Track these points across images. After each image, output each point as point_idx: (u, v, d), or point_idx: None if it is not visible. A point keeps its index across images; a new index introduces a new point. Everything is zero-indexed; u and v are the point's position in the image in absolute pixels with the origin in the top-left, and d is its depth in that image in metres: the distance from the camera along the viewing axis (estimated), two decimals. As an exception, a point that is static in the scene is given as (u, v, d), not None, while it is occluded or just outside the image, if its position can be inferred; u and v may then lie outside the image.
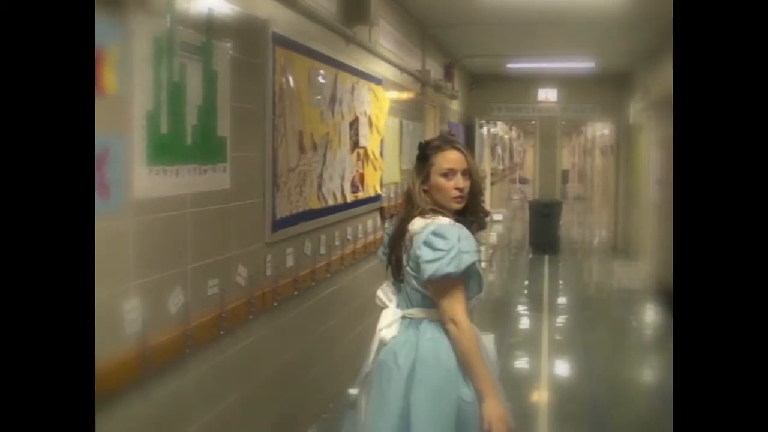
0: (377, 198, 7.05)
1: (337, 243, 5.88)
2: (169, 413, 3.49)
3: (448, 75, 11.88)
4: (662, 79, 10.73)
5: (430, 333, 3.11)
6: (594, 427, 5.88)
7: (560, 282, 12.45)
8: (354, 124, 6.21)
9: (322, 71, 5.42)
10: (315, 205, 5.31)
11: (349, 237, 6.23)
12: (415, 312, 3.18)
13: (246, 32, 4.21)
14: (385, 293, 3.31)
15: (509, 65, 13.55)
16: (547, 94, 15.63)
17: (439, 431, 2.99)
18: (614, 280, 11.24)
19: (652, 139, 11.81)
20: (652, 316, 9.70)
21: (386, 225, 3.48)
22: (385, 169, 7.32)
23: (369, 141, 6.65)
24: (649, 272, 11.26)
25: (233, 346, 4.08)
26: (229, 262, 4.01)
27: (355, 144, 6.27)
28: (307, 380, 5.32)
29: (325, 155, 5.48)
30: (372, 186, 6.83)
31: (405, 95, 8.61)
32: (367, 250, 6.74)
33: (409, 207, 3.21)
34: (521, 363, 7.34)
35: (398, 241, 3.20)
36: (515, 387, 6.18)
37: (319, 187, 5.39)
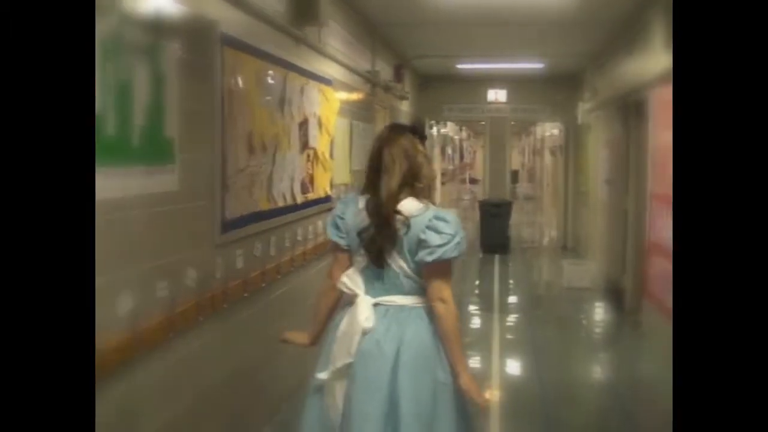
0: (327, 199, 7.04)
1: (287, 244, 5.86)
2: (118, 419, 3.45)
3: (398, 76, 11.90)
4: (610, 79, 10.86)
5: (414, 320, 3.19)
6: (545, 425, 5.92)
7: (511, 281, 12.56)
8: (304, 125, 6.20)
9: (271, 72, 5.40)
10: (265, 206, 5.29)
11: (300, 238, 6.21)
12: (398, 299, 3.22)
13: (194, 33, 4.18)
14: (352, 280, 3.29)
15: (459, 66, 13.63)
16: (497, 95, 15.74)
17: (425, 414, 3.10)
18: (564, 278, 11.32)
19: (600, 138, 11.94)
20: (601, 314, 9.82)
21: (348, 198, 3.48)
22: (335, 170, 7.31)
23: (319, 142, 6.63)
24: (598, 271, 11.38)
25: (183, 348, 4.04)
26: (178, 264, 3.98)
27: (305, 145, 6.25)
28: (259, 381, 5.30)
29: (274, 156, 5.46)
30: (322, 187, 6.82)
31: (355, 96, 8.61)
32: (318, 251, 6.72)
33: (390, 188, 3.18)
34: (473, 362, 7.36)
35: (386, 225, 3.17)
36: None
37: (269, 188, 5.37)
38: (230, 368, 4.77)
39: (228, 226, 4.62)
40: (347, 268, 3.32)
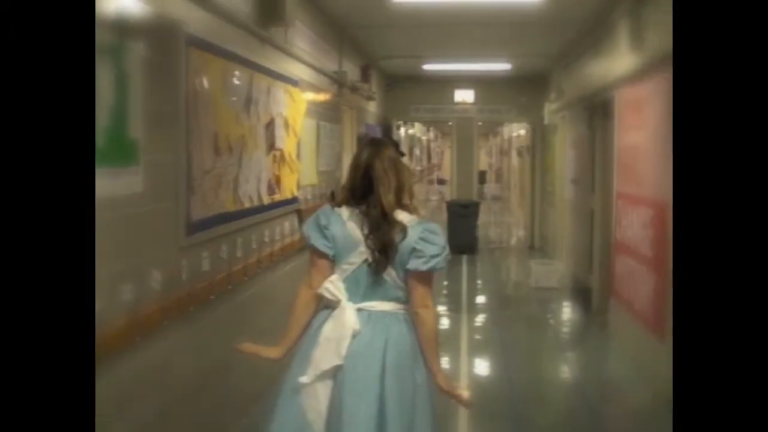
0: (294, 200, 7.01)
1: (254, 246, 5.83)
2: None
3: (365, 76, 11.89)
4: (576, 80, 10.91)
5: (395, 324, 3.34)
6: (514, 425, 5.93)
7: (479, 282, 12.58)
8: (270, 125, 6.16)
9: (237, 72, 5.37)
10: (231, 207, 5.25)
11: (266, 239, 6.18)
12: (380, 305, 3.36)
13: (158, 33, 4.13)
14: (336, 286, 3.36)
15: (426, 66, 13.63)
16: (464, 96, 15.77)
17: (407, 413, 3.26)
18: (531, 278, 11.36)
19: (566, 138, 12.00)
20: (568, 314, 9.86)
21: (327, 210, 3.47)
22: (302, 171, 7.28)
23: (285, 143, 6.60)
24: (566, 270, 11.43)
25: (149, 351, 4.00)
26: (142, 267, 3.94)
27: (272, 146, 6.22)
28: (227, 384, 5.25)
29: (240, 157, 5.42)
30: (288, 188, 6.79)
31: (322, 97, 8.58)
32: (285, 252, 6.69)
33: (388, 200, 3.33)
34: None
35: (388, 235, 3.30)
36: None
37: (235, 189, 5.33)
38: (197, 371, 4.72)
39: (193, 227, 4.58)
40: (327, 275, 3.38)
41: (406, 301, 3.38)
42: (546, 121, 13.61)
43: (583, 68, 10.26)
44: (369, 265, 3.31)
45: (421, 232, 3.31)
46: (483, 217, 16.61)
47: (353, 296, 3.35)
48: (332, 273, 3.38)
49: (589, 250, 9.55)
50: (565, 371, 7.53)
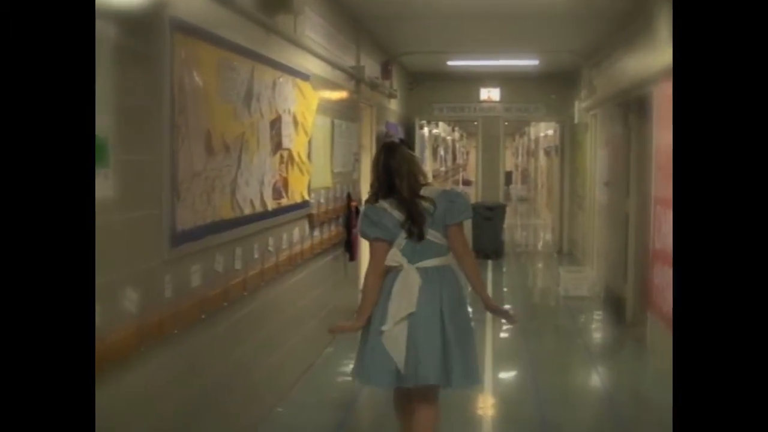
0: (305, 204, 6.46)
1: (256, 256, 5.27)
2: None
3: (386, 73, 11.32)
4: (608, 76, 10.30)
5: (446, 274, 4.34)
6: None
7: (505, 289, 11.95)
8: (276, 123, 5.61)
9: (235, 63, 4.82)
10: (227, 214, 4.70)
11: (271, 249, 5.63)
12: (432, 262, 4.31)
13: (136, 16, 3.59)
14: (397, 257, 4.31)
15: (450, 63, 13.04)
16: (490, 94, 15.15)
17: (463, 339, 4.32)
18: (561, 286, 10.76)
19: (597, 138, 11.39)
20: (601, 326, 9.24)
21: (372, 207, 4.48)
22: (313, 173, 6.73)
23: (294, 142, 6.05)
24: (597, 279, 10.81)
25: (121, 382, 3.45)
26: (113, 284, 3.38)
27: (278, 145, 5.67)
28: (221, 413, 4.71)
29: (240, 158, 4.88)
30: (298, 191, 6.24)
31: (337, 93, 8.03)
32: (293, 262, 6.15)
33: (408, 186, 4.36)
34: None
35: (419, 212, 4.31)
36: (460, 398, 5.62)
37: (233, 193, 4.79)
38: (182, 400, 4.17)
39: (180, 238, 4.02)
40: (386, 256, 4.31)
41: (448, 252, 4.37)
42: (576, 120, 12.94)
43: (617, 63, 9.65)
44: (410, 236, 4.30)
45: (447, 197, 4.42)
46: (509, 220, 15.88)
47: (411, 259, 4.31)
48: (389, 250, 4.32)
49: (623, 258, 8.92)
50: (598, 388, 6.94)
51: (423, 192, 4.36)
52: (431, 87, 14.98)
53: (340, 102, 8.19)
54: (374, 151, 10.43)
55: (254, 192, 5.16)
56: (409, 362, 4.22)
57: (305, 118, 6.40)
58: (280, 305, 5.92)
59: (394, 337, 4.24)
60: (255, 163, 5.16)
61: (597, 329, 9.14)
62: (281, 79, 5.73)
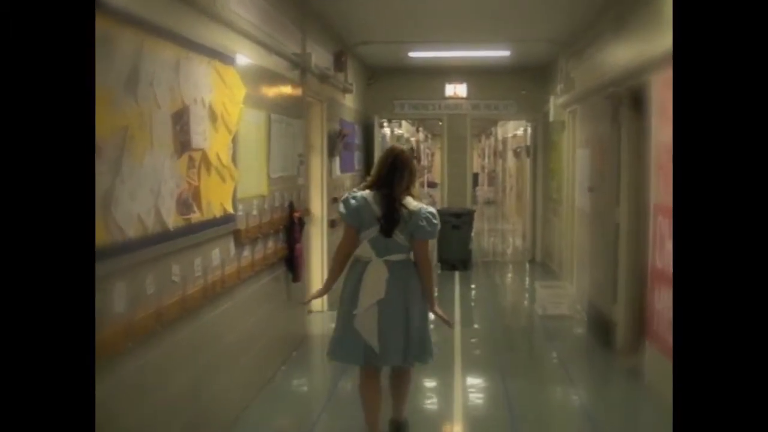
0: (228, 219, 5.17)
1: (150, 291, 3.96)
2: None
3: (339, 64, 10.03)
4: (590, 67, 9.10)
5: (408, 269, 4.92)
6: None
7: (474, 307, 10.65)
8: (181, 115, 4.32)
9: (111, 32, 3.51)
10: (100, 238, 3.38)
11: (176, 279, 4.32)
12: (397, 257, 4.87)
13: None
14: (365, 249, 4.87)
15: (412, 54, 11.73)
16: (456, 89, 13.87)
17: (422, 323, 4.97)
18: (537, 304, 9.54)
19: (577, 137, 10.17)
20: (585, 354, 7.99)
21: (356, 194, 4.93)
22: (242, 180, 5.44)
23: (210, 141, 4.76)
24: (577, 295, 9.59)
25: None
26: None
27: (185, 145, 4.38)
28: None
29: (119, 161, 3.58)
30: (218, 203, 4.95)
31: (276, 83, 6.74)
32: (212, 291, 4.86)
33: (400, 189, 4.87)
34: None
35: (396, 216, 4.82)
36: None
37: (107, 209, 3.48)
38: None
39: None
40: (355, 239, 4.90)
41: (409, 252, 4.90)
42: (551, 118, 11.67)
43: (602, 51, 8.45)
44: (381, 231, 4.82)
45: (424, 214, 4.84)
46: (475, 224, 14.47)
47: (378, 253, 4.84)
48: (357, 238, 4.88)
49: (611, 275, 7.67)
50: (580, 425, 5.72)
51: (406, 201, 4.85)
52: (392, 82, 13.69)
53: (280, 94, 6.90)
54: (325, 152, 9.23)
55: (145, 207, 3.85)
56: (380, 344, 4.81)
57: (227, 111, 5.11)
58: (193, 349, 4.62)
59: (366, 321, 4.79)
60: (147, 169, 3.86)
61: (582, 357, 7.86)
62: (188, 59, 4.44)
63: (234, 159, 5.26)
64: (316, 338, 8.19)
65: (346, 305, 4.88)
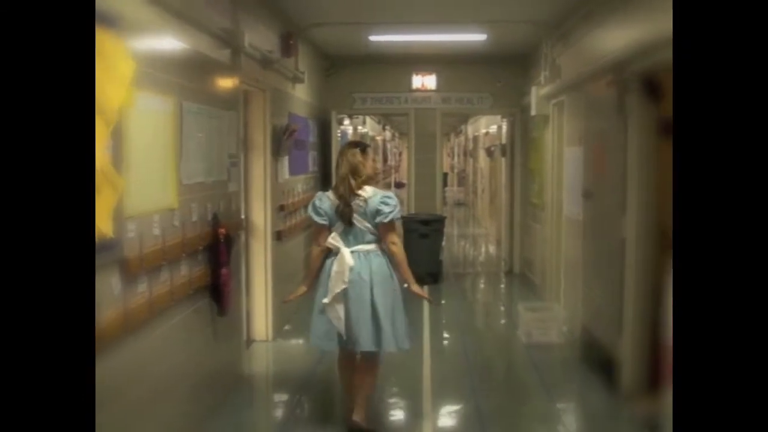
0: (106, 246, 3.69)
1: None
2: None
3: (288, 48, 8.56)
4: (580, 51, 7.72)
5: (376, 258, 5.28)
6: None
7: (445, 336, 9.09)
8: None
9: None
10: None
11: None
12: (365, 247, 5.29)
13: None
14: (335, 240, 5.29)
15: (373, 38, 10.24)
16: (424, 81, 12.44)
17: (389, 310, 5.23)
18: (521, 330, 8.14)
19: (564, 133, 8.77)
20: (581, 392, 6.57)
21: (320, 194, 5.45)
22: (132, 190, 3.97)
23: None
24: (567, 318, 8.17)
25: None
26: None
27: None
28: None
29: None
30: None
31: (192, 63, 5.27)
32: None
33: (354, 181, 5.29)
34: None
35: (349, 204, 5.27)
36: None
37: None
38: None
39: None
40: (327, 236, 5.32)
41: (379, 241, 5.33)
42: (533, 111, 10.22)
43: (597, 32, 7.07)
44: (342, 221, 5.29)
45: (380, 198, 5.30)
46: (445, 228, 12.97)
47: (347, 244, 5.30)
48: (329, 234, 5.33)
49: (616, 302, 6.25)
50: None
51: (361, 191, 5.29)
52: (352, 73, 12.22)
53: (199, 77, 5.43)
54: (268, 151, 7.77)
55: None
56: (348, 330, 5.24)
57: (105, 95, 3.63)
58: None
59: (335, 309, 5.21)
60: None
61: (581, 400, 6.43)
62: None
63: (116, 161, 3.79)
64: (259, 377, 6.77)
65: (319, 297, 5.31)
